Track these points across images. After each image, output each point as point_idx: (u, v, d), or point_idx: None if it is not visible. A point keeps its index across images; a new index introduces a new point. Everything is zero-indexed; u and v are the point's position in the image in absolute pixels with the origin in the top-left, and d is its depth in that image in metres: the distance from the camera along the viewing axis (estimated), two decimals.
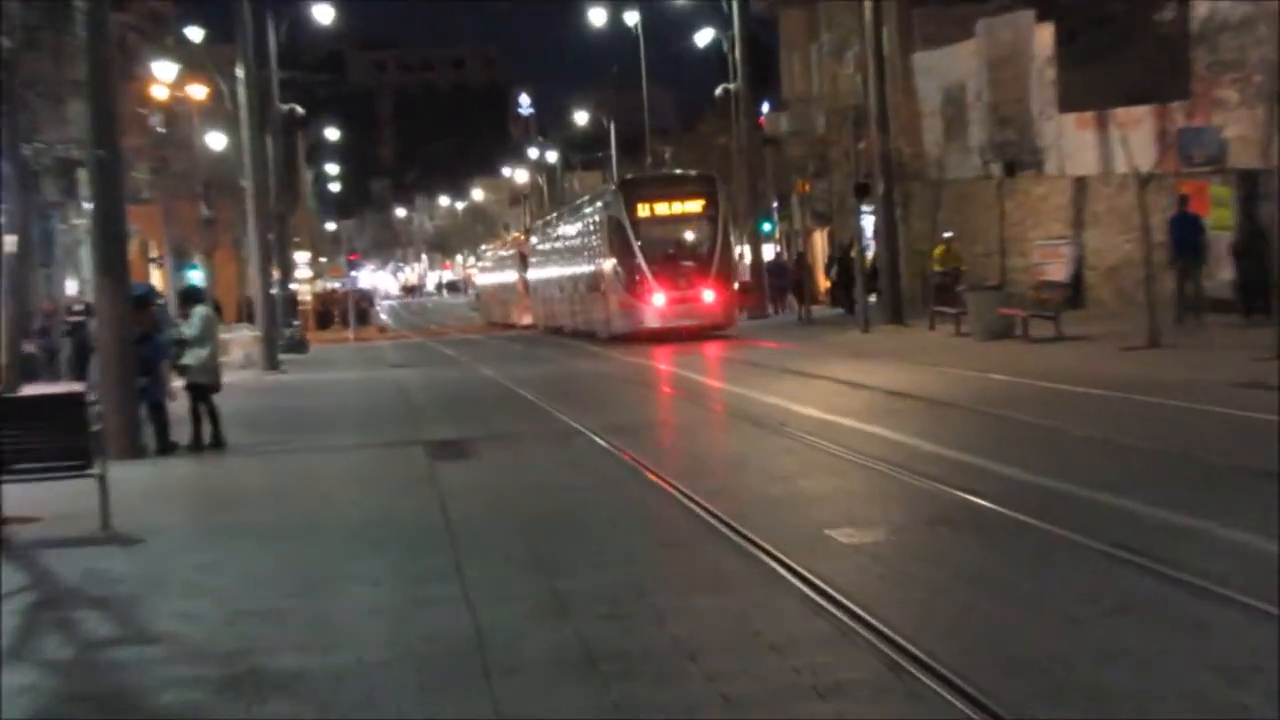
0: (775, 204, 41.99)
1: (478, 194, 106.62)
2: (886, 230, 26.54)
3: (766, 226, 38.57)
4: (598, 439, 12.13)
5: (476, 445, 12.32)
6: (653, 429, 13.49)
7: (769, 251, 38.73)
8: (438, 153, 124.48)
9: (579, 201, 36.59)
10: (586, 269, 31.15)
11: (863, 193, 26.41)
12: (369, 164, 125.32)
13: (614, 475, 10.18)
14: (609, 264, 28.48)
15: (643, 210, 28.04)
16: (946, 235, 25.78)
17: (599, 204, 30.76)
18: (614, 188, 30.16)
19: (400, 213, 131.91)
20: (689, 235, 28.24)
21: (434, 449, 12.20)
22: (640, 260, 27.62)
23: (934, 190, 30.24)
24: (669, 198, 28.33)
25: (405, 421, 15.03)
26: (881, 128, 25.91)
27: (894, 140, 26.89)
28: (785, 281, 35.22)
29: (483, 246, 65.58)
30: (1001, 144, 27.90)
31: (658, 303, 27.38)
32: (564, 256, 34.66)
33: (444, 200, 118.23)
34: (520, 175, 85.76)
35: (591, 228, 30.97)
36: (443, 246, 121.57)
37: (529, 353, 28.75)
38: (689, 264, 27.80)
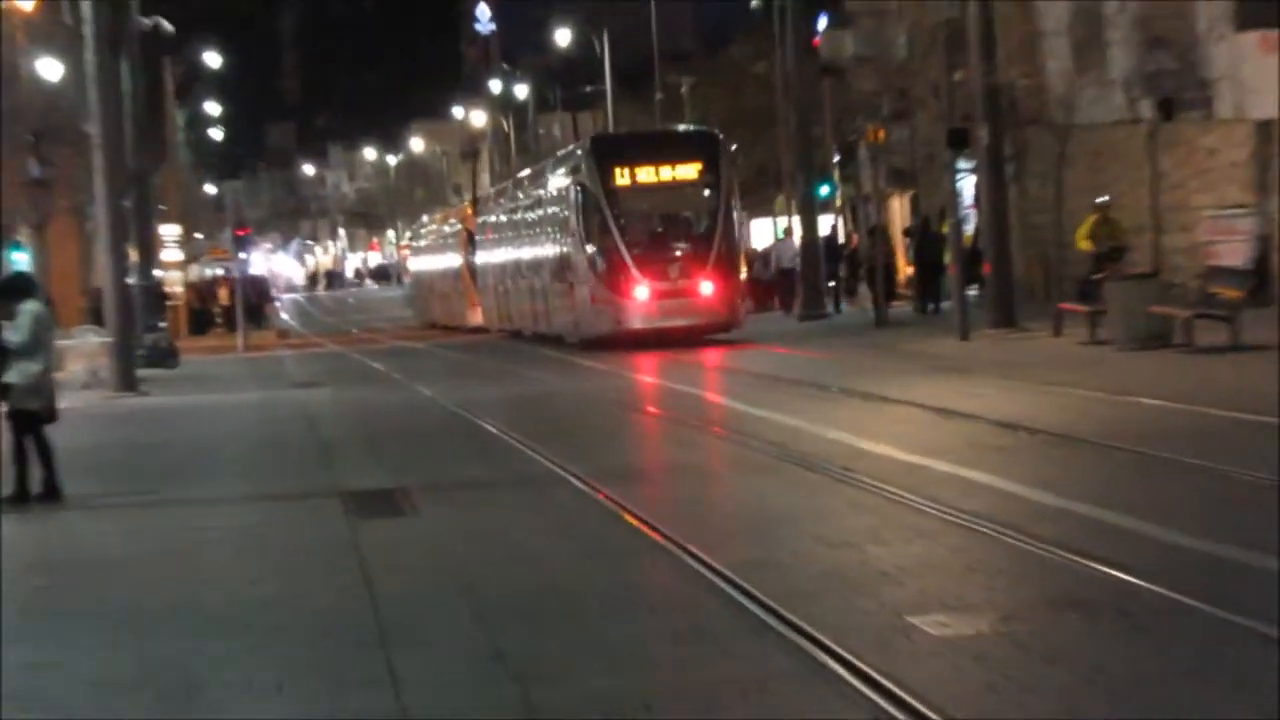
0: (836, 159, 42.14)
1: (417, 144, 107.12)
2: (993, 195, 26.57)
3: (824, 190, 38.69)
4: (583, 487, 12.17)
5: (414, 497, 12.33)
6: (661, 474, 13.50)
7: (828, 227, 38.95)
8: (361, 87, 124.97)
9: (540, 165, 37.16)
10: (550, 253, 31.70)
11: (959, 143, 26.44)
12: (265, 103, 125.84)
13: (609, 540, 10.19)
14: (578, 247, 29.03)
15: (621, 177, 28.66)
16: (1100, 201, 25.45)
17: (564, 169, 31.28)
18: (583, 148, 30.70)
19: (308, 170, 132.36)
20: (681, 210, 28.89)
21: (355, 503, 12.20)
22: (618, 242, 28.20)
23: (1059, 139, 30.33)
24: (655, 160, 28.94)
25: (315, 464, 15.04)
26: (986, 52, 25.96)
27: (1003, 70, 26.94)
28: (837, 267, 35.44)
29: (424, 218, 65.77)
30: (1155, 75, 27.97)
31: (641, 297, 28.00)
32: (521, 236, 35.27)
33: (370, 154, 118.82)
34: (477, 118, 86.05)
35: (555, 200, 31.50)
36: (368, 218, 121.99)
37: (480, 364, 28.93)
38: (682, 247, 28.44)
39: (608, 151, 29.55)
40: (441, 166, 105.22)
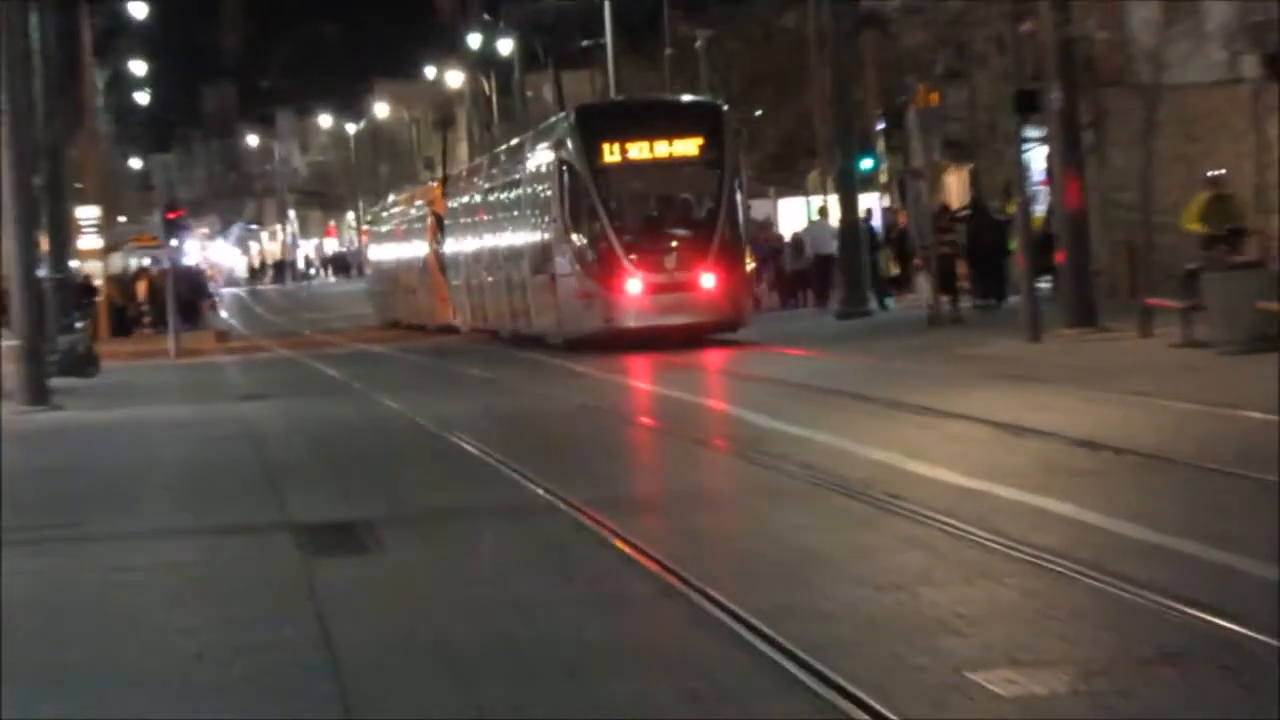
0: (880, 127, 42.14)
1: (382, 110, 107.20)
2: (1067, 169, 26.54)
3: (867, 163, 38.68)
4: (580, 518, 12.19)
5: (379, 531, 12.33)
6: (671, 503, 13.49)
7: (875, 207, 38.91)
8: (314, 41, 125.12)
9: (520, 139, 37.64)
10: (530, 240, 32.21)
11: (1027, 107, 26.43)
12: (200, 61, 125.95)
13: (611, 582, 10.19)
14: (561, 234, 29.56)
15: (610, 153, 29.36)
16: (1213, 174, 25.14)
17: (545, 144, 31.75)
18: (567, 119, 31.20)
19: (252, 141, 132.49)
20: (680, 191, 29.59)
21: (309, 537, 12.21)
22: (607, 227, 28.85)
23: (1146, 103, 30.26)
24: (650, 134, 29.54)
25: (262, 491, 15.05)
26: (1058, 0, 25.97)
27: (1079, 21, 26.92)
28: (875, 256, 35.53)
29: (390, 198, 65.84)
30: (1259, 27, 27.91)
31: (633, 291, 28.60)
32: (498, 221, 35.81)
33: (325, 121, 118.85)
34: (453, 78, 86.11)
35: (536, 179, 32.04)
36: (324, 198, 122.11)
37: (454, 371, 29.09)
38: (680, 233, 29.07)
39: (595, 124, 30.06)
40: (410, 136, 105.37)
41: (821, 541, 11.07)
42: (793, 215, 47.63)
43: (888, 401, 18.66)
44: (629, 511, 12.45)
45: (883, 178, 43.74)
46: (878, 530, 11.24)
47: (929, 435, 15.91)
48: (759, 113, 50.26)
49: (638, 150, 29.40)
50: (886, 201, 44.48)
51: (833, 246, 36.35)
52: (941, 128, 35.85)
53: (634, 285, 28.51)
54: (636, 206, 29.41)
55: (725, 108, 31.39)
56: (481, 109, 78.98)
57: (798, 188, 48.16)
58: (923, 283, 33.42)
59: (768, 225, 45.68)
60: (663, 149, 29.48)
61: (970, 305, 32.17)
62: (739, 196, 29.96)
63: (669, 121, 30.26)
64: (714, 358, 27.03)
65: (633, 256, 28.61)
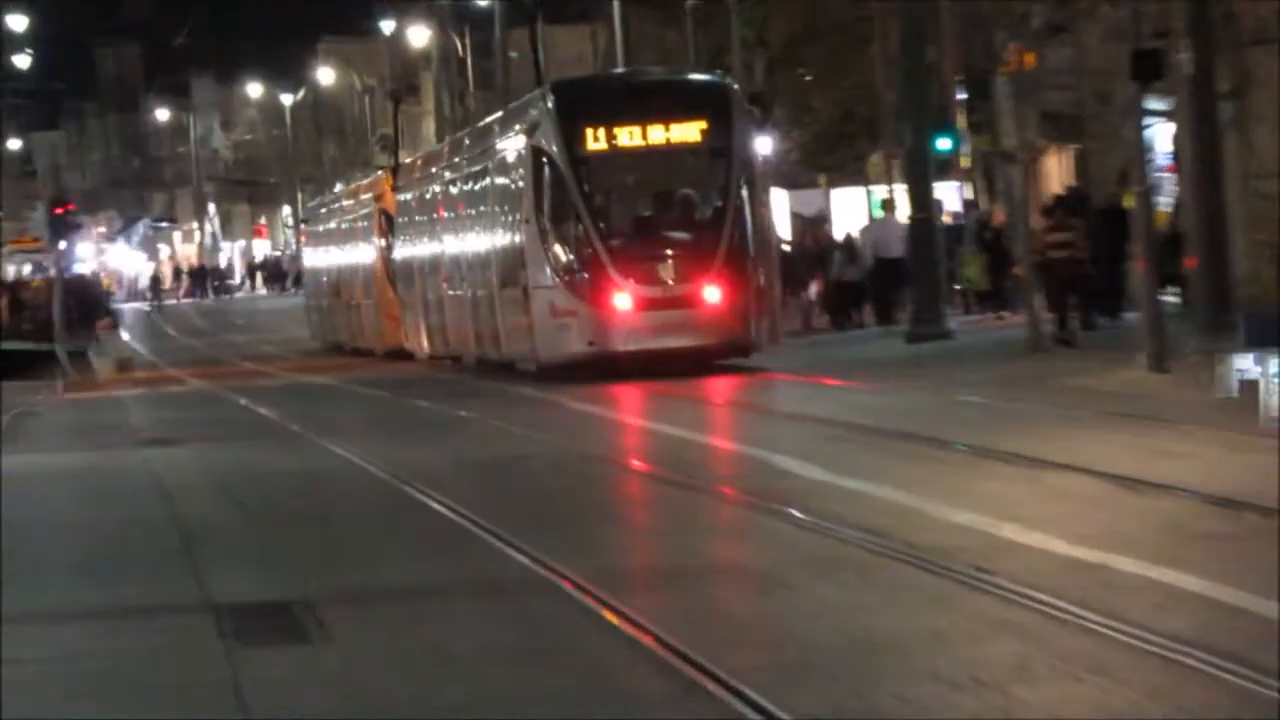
0: (961, 97, 42.10)
1: (326, 75, 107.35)
2: (1200, 151, 26.56)
3: (944, 143, 38.64)
4: (579, 597, 12.20)
5: (324, 613, 12.34)
6: (696, 577, 13.45)
7: (952, 196, 38.80)
8: None
9: (485, 123, 38.03)
10: (498, 245, 32.66)
11: (1149, 72, 26.42)
12: (97, 16, 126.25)
13: (621, 680, 10.21)
14: (535, 237, 30.04)
15: (594, 139, 29.94)
16: None
17: (517, 127, 32.17)
18: (543, 98, 31.74)
19: (162, 116, 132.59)
20: (679, 185, 29.99)
21: (236, 621, 12.22)
22: (590, 229, 29.47)
23: None
24: (642, 116, 30.11)
25: (174, 561, 15.07)
26: None
27: None
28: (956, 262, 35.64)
29: (338, 188, 65.98)
30: None
31: (623, 307, 29.19)
32: (460, 221, 36.28)
33: (255, 90, 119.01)
34: (417, 35, 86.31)
35: (505, 169, 32.47)
36: (253, 188, 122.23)
37: (412, 408, 29.28)
38: (679, 237, 29.60)
39: (576, 103, 30.58)
40: (362, 110, 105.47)
41: (887, 626, 11.07)
42: (851, 209, 47.66)
43: (972, 448, 18.62)
44: (640, 587, 12.45)
45: (964, 162, 43.75)
46: (959, 612, 11.22)
47: (1025, 491, 15.88)
48: (808, 77, 50.32)
49: (627, 135, 29.80)
50: (968, 192, 44.51)
51: (900, 249, 36.32)
52: (1038, 99, 35.82)
53: (623, 300, 28.96)
54: (626, 204, 29.89)
55: (735, 85, 31.49)
56: (453, 75, 79.01)
57: (856, 174, 48.23)
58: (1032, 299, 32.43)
59: (818, 223, 45.71)
60: (658, 134, 29.87)
61: (1077, 324, 32.06)
62: (753, 192, 30.28)
63: (666, 101, 30.63)
64: (726, 389, 27.09)
65: (621, 265, 29.02)
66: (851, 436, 21.03)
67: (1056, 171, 41.52)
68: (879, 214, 41.40)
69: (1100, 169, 36.81)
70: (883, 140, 43.06)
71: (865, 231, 40.92)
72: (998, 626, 10.78)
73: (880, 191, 42.98)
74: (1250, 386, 19.90)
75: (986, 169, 44.17)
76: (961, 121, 42.41)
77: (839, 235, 42.84)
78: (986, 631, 10.67)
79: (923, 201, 34.97)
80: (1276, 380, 19.12)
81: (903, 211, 36.97)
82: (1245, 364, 20.36)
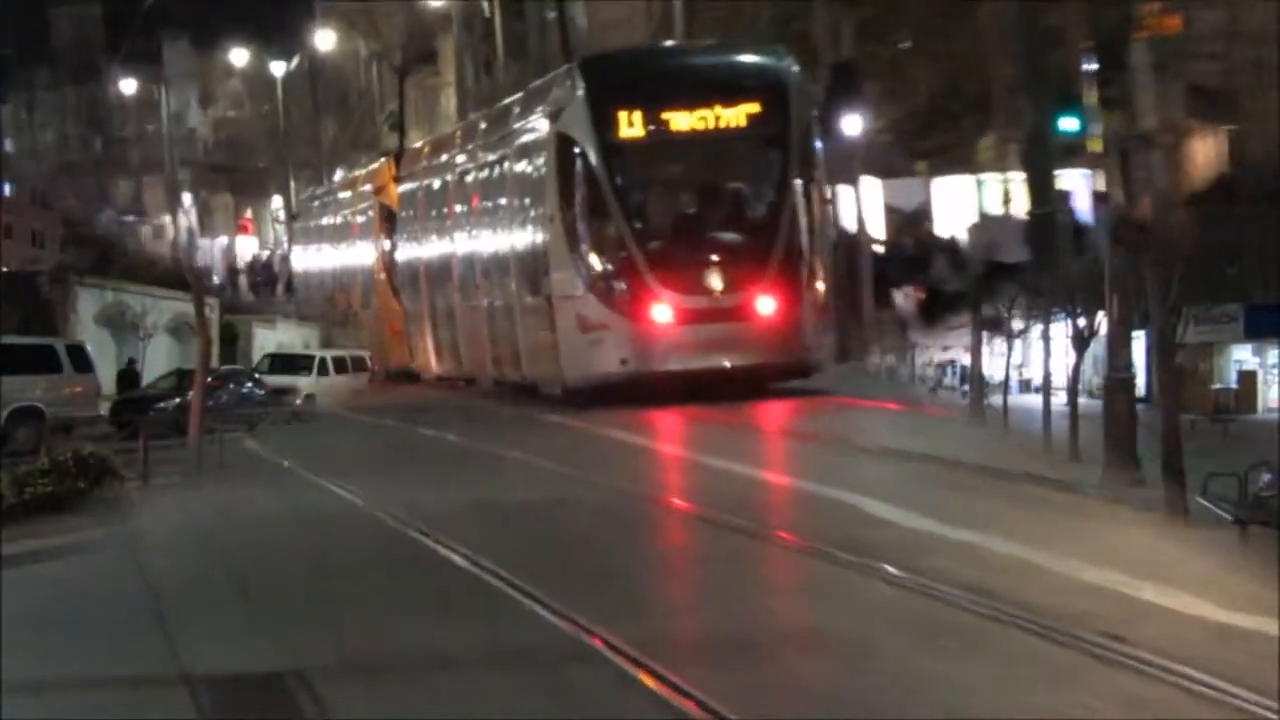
0: (1091, 67, 42.14)
1: (325, 40, 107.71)
2: None
3: (1070, 123, 38.71)
4: (629, 669, 12.28)
5: (320, 689, 12.42)
6: (773, 647, 13.53)
7: (1080, 186, 38.88)
8: None
9: (503, 104, 38.73)
10: (517, 248, 33.31)
11: None
12: None
13: None
14: (560, 239, 30.70)
15: (628, 126, 30.93)
16: None
17: (540, 111, 32.99)
18: (570, 77, 32.59)
19: (128, 89, 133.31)
20: (727, 179, 31.14)
21: (218, 697, 12.28)
22: (624, 230, 30.44)
23: None
24: (685, 100, 31.08)
25: (146, 625, 15.19)
26: None
27: None
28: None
29: (337, 176, 66.30)
30: None
31: (662, 319, 29.98)
32: (474, 219, 37.00)
33: (240, 58, 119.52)
34: None
35: (526, 159, 33.28)
36: (236, 175, 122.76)
37: (422, 439, 29.89)
38: (727, 239, 30.57)
39: (609, 84, 31.32)
40: (369, 81, 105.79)
41: (1001, 705, 11.08)
42: (958, 203, 47.69)
43: (1104, 492, 18.66)
44: (697, 658, 12.48)
45: (1094, 145, 43.75)
46: (1085, 688, 11.25)
47: (1168, 546, 15.90)
48: (905, 45, 50.40)
49: (668, 121, 30.51)
50: (1100, 182, 44.48)
51: (1017, 251, 36.40)
52: (1185, 68, 35.82)
53: (662, 313, 29.58)
54: (666, 200, 30.61)
55: (792, 67, 31.63)
56: (477, 40, 79.26)
57: (962, 161, 48.31)
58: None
59: (919, 220, 45.79)
60: (704, 120, 30.37)
61: None
62: (814, 190, 30.93)
63: (713, 82, 31.38)
64: (784, 415, 27.16)
65: (660, 271, 29.59)
66: (950, 475, 21.08)
67: (1204, 156, 41.53)
68: (987, 212, 41.45)
69: (1259, 153, 36.81)
70: (994, 120, 43.13)
71: (974, 230, 40.96)
72: (1136, 704, 10.79)
73: (993, 182, 43.06)
74: None
75: (1122, 154, 44.19)
76: (1090, 97, 42.43)
77: (944, 235, 42.92)
78: (1118, 710, 10.67)
79: (1043, 193, 35.02)
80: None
81: (1019, 206, 37.03)
82: None
